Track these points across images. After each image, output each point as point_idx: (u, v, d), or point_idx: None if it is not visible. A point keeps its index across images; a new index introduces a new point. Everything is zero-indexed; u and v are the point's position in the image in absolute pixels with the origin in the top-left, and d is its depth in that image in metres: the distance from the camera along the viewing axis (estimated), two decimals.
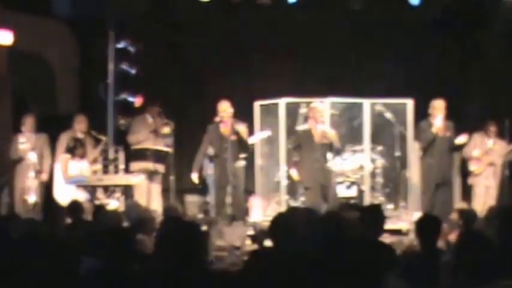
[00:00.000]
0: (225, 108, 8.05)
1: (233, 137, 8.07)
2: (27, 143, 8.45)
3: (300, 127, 8.43)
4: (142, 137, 8.67)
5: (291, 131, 9.08)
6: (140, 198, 8.36)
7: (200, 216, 9.31)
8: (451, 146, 8.39)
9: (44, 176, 8.56)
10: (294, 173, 8.37)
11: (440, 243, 4.40)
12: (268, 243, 4.81)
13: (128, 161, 9.01)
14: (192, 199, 9.73)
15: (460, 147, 8.54)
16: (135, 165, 8.59)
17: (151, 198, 8.62)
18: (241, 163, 8.16)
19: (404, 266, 3.98)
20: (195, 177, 8.39)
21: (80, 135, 8.59)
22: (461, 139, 8.30)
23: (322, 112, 8.24)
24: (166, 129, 8.69)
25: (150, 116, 8.82)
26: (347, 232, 4.12)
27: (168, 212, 6.14)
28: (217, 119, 8.10)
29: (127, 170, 8.74)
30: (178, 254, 3.14)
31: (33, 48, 9.30)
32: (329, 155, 8.37)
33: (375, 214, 4.51)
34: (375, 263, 3.71)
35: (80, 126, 8.67)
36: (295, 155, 8.34)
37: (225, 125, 8.05)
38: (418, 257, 4.11)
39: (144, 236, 5.11)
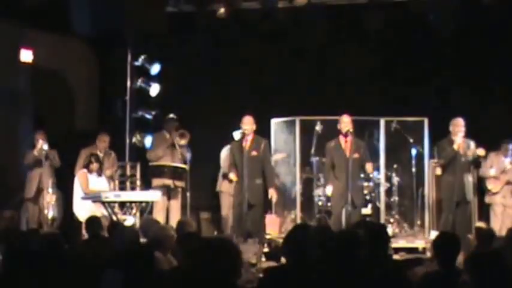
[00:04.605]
0: (248, 123, 8.02)
1: (253, 153, 8.04)
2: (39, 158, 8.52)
3: (330, 142, 8.26)
4: (161, 153, 8.74)
5: (306, 148, 9.09)
6: (158, 214, 8.40)
7: (215, 233, 9.33)
8: (471, 164, 8.31)
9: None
10: (329, 190, 8.26)
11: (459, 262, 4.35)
12: (283, 260, 4.80)
13: (144, 177, 9.05)
14: (206, 216, 9.75)
15: (478, 162, 8.43)
16: (154, 182, 8.66)
17: (170, 215, 8.65)
18: (260, 180, 8.09)
19: (423, 285, 3.96)
20: (233, 176, 8.10)
21: (100, 154, 8.67)
22: (480, 151, 8.16)
23: (349, 123, 8.05)
24: (183, 141, 8.75)
25: (167, 131, 8.91)
26: (358, 251, 4.08)
27: (182, 228, 6.10)
28: (241, 132, 8.05)
29: (145, 186, 8.78)
30: (209, 271, 3.11)
31: (53, 65, 9.43)
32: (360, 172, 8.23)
33: (378, 233, 4.44)
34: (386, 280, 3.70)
35: (102, 145, 8.76)
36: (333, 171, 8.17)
37: (246, 140, 8.03)
38: (437, 276, 4.08)
39: (160, 254, 5.10)
